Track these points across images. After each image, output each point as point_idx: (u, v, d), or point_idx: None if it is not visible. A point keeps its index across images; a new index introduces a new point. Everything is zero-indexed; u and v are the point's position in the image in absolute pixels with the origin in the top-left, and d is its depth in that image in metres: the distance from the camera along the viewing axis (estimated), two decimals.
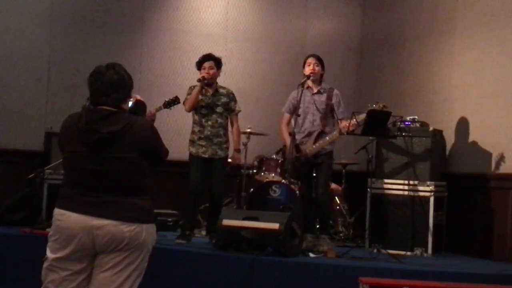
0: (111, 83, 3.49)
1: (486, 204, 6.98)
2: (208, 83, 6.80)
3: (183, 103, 6.81)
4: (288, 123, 7.08)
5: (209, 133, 6.78)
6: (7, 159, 7.97)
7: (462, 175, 7.30)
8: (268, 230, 5.84)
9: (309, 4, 9.46)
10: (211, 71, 6.81)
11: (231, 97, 6.94)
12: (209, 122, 6.80)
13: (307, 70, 6.88)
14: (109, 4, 8.65)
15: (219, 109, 6.84)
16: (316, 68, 6.89)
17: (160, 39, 8.81)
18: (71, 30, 8.45)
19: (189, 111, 6.86)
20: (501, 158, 6.75)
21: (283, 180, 6.86)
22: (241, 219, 6.02)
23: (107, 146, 3.39)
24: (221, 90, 6.92)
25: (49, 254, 3.42)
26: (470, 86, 7.30)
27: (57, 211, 3.45)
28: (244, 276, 5.64)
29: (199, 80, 6.73)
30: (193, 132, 6.86)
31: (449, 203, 7.20)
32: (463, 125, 7.34)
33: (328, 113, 6.92)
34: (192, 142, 6.84)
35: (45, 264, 3.43)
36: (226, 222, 6.04)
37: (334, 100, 6.90)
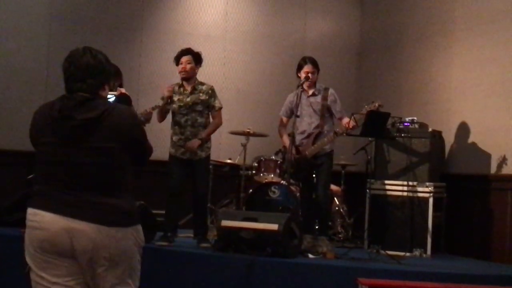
0: (87, 68, 3.19)
1: (485, 205, 6.99)
2: (186, 77, 6.61)
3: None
4: (286, 126, 7.11)
5: (189, 133, 6.55)
6: (6, 159, 7.96)
7: (461, 176, 7.30)
8: (267, 231, 5.83)
9: (308, 5, 9.47)
10: (188, 66, 6.57)
11: (210, 93, 6.65)
12: (189, 122, 6.56)
13: (307, 77, 6.87)
14: (108, 5, 8.65)
15: (198, 107, 6.58)
16: (313, 76, 6.90)
17: (159, 40, 8.81)
18: (69, 30, 8.43)
19: (160, 122, 6.71)
20: (501, 159, 6.75)
21: (282, 181, 6.86)
22: (240, 220, 6.02)
23: (83, 135, 3.06)
24: (200, 87, 6.65)
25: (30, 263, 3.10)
26: (469, 87, 7.31)
27: (30, 211, 3.10)
28: (243, 277, 5.63)
29: (162, 99, 6.60)
30: (173, 133, 6.62)
31: (448, 204, 7.21)
32: (462, 126, 7.34)
33: (326, 113, 6.94)
34: (173, 143, 6.62)
35: (32, 275, 3.10)
36: (225, 223, 6.03)
37: (329, 100, 6.92)
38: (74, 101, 3.14)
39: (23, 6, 8.28)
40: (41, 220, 3.03)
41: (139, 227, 3.20)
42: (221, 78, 8.86)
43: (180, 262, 5.98)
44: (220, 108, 6.71)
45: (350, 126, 6.53)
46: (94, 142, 3.07)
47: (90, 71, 3.19)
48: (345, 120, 6.73)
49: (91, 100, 3.13)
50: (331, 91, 6.98)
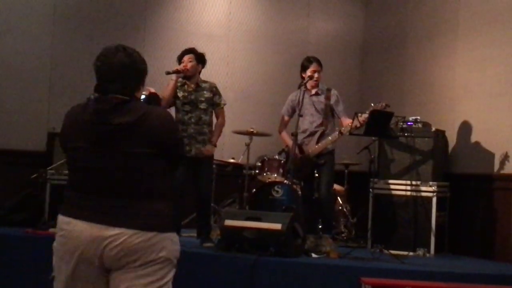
0: (121, 67, 2.97)
1: (488, 205, 6.97)
2: (186, 75, 6.61)
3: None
4: (286, 124, 7.16)
5: (192, 131, 6.58)
6: (9, 159, 7.98)
7: (464, 176, 7.29)
8: (270, 231, 5.83)
9: (311, 4, 9.46)
10: (189, 64, 6.59)
11: (214, 90, 6.72)
12: (192, 120, 6.59)
13: (311, 76, 6.89)
14: (112, 4, 8.66)
15: (203, 105, 6.63)
16: (319, 75, 6.93)
17: (163, 39, 8.81)
18: (73, 30, 8.46)
19: (166, 106, 6.49)
20: (505, 158, 6.73)
21: (285, 181, 6.86)
22: (243, 219, 6.02)
23: (119, 140, 2.89)
24: (203, 85, 6.70)
25: (56, 272, 2.97)
26: (473, 86, 7.30)
27: (61, 219, 2.96)
28: (246, 277, 5.63)
29: (167, 73, 6.51)
30: None
31: (451, 203, 7.19)
32: (465, 125, 7.33)
33: (328, 113, 6.97)
34: None
35: (55, 285, 2.98)
36: (229, 222, 6.03)
37: (332, 100, 6.96)
38: (109, 104, 2.93)
39: (26, 6, 8.29)
40: (73, 229, 2.89)
41: (175, 238, 3.04)
42: (224, 77, 8.85)
43: (183, 262, 5.96)
44: (224, 105, 6.78)
45: (354, 126, 6.52)
46: (130, 147, 2.90)
47: (124, 71, 2.98)
48: (347, 121, 6.73)
49: (127, 103, 2.94)
50: (333, 91, 7.01)
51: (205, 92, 6.68)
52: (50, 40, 8.37)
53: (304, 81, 6.90)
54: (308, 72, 6.93)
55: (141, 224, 2.88)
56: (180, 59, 6.70)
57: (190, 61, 6.63)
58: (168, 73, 6.55)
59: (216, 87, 6.76)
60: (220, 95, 6.76)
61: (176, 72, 6.58)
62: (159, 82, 8.39)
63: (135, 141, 2.90)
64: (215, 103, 6.72)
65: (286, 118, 7.19)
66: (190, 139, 6.58)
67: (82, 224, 2.87)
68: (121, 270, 2.88)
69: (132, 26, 8.71)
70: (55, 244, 2.98)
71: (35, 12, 8.33)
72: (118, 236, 2.84)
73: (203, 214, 6.72)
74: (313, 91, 7.00)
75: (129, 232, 2.85)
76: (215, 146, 6.72)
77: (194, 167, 6.59)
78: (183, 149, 3.18)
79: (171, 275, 3.00)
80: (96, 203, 2.90)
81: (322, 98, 6.99)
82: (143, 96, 3.38)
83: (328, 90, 7.03)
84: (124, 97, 2.96)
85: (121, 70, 2.97)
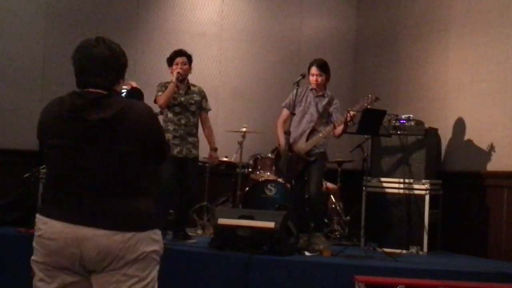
0: (101, 60, 2.86)
1: (481, 202, 6.99)
2: (181, 79, 6.66)
3: (154, 101, 6.56)
4: (286, 120, 7.03)
5: (183, 132, 6.64)
6: (2, 158, 7.96)
7: (457, 173, 7.31)
8: (263, 229, 5.84)
9: (304, 2, 9.46)
10: (184, 67, 6.65)
11: (202, 95, 6.82)
12: (183, 121, 6.65)
13: (311, 81, 6.86)
14: (104, 3, 8.64)
15: (192, 108, 6.70)
16: (319, 79, 6.84)
17: (155, 37, 8.80)
18: (65, 29, 8.42)
19: (164, 108, 6.62)
20: (498, 156, 6.74)
21: (278, 179, 6.85)
22: (236, 218, 6.02)
23: (97, 136, 2.75)
24: (193, 88, 6.78)
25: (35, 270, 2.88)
26: (465, 84, 7.31)
27: (39, 219, 2.85)
28: (240, 275, 5.63)
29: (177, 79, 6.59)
30: (167, 131, 6.58)
31: (444, 201, 7.21)
32: (458, 123, 7.35)
33: (325, 115, 6.92)
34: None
35: (34, 280, 2.89)
36: (222, 221, 6.04)
37: (333, 107, 6.85)
38: (86, 99, 2.78)
39: (18, 5, 8.27)
40: (49, 230, 2.79)
41: (157, 235, 2.90)
42: (217, 76, 8.84)
43: (177, 261, 5.97)
44: (209, 110, 6.90)
45: (336, 134, 6.58)
46: (109, 144, 2.76)
47: (105, 64, 2.87)
48: (339, 128, 6.65)
49: (106, 97, 2.80)
50: (336, 101, 6.91)
51: (194, 95, 6.75)
52: (42, 40, 8.35)
53: (297, 79, 6.79)
54: (309, 75, 6.87)
55: (119, 224, 2.76)
56: (171, 61, 6.70)
57: (185, 64, 6.68)
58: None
59: (204, 92, 6.85)
60: (207, 100, 6.86)
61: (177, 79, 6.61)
62: (151, 80, 8.43)
63: (114, 137, 2.77)
64: (202, 107, 6.80)
65: (284, 111, 6.96)
66: (181, 140, 6.63)
67: (58, 225, 2.76)
68: (104, 273, 2.77)
69: (124, 25, 8.69)
70: (34, 243, 2.88)
71: (27, 12, 8.30)
72: (95, 237, 2.73)
73: (185, 212, 6.74)
74: (320, 92, 6.90)
75: (107, 232, 2.73)
76: (216, 150, 6.90)
77: (181, 167, 6.62)
78: (165, 144, 3.02)
79: (154, 272, 2.91)
80: (74, 202, 2.77)
81: (325, 101, 6.91)
82: (123, 91, 3.25)
83: (332, 97, 6.94)
84: (101, 91, 2.82)
85: (101, 63, 2.86)
